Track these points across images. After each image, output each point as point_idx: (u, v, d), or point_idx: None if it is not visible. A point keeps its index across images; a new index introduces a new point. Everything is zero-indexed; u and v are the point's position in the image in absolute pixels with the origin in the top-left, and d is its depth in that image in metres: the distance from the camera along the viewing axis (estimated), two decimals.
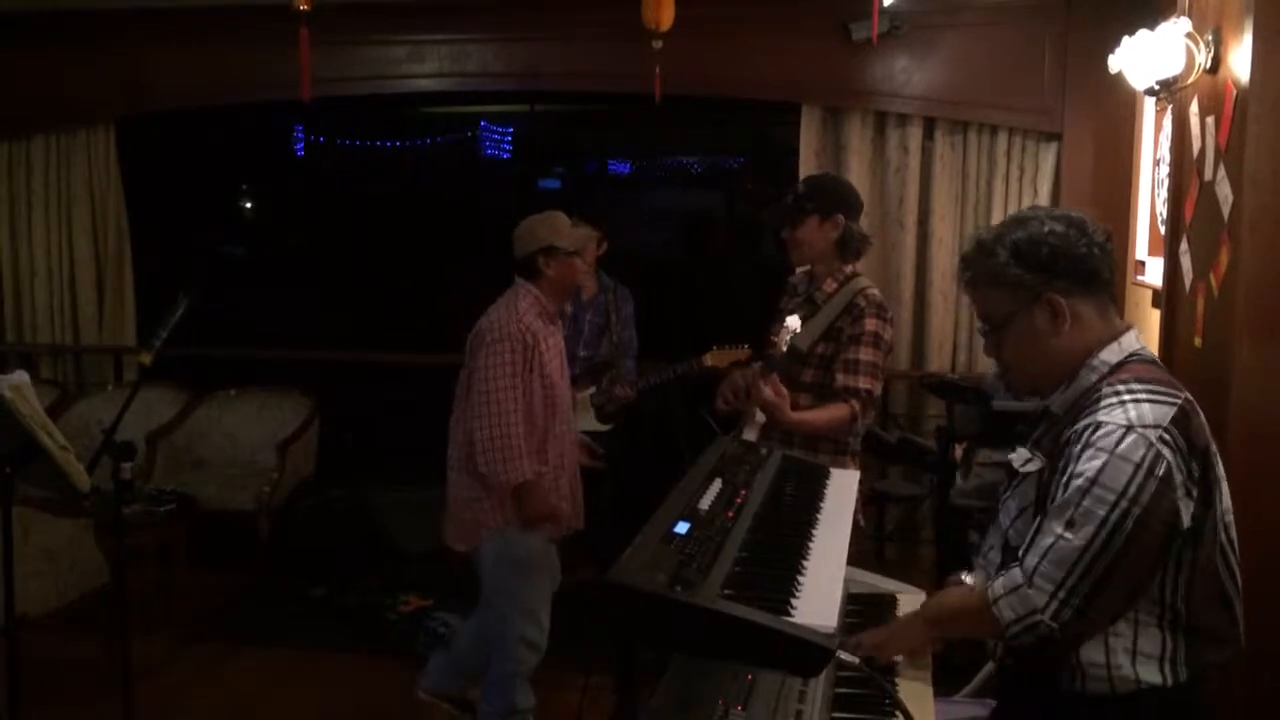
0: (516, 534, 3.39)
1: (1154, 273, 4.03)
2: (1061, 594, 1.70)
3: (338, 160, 9.60)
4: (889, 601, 2.27)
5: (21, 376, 2.84)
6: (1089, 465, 1.70)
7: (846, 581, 2.06)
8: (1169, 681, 1.77)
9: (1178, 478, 1.70)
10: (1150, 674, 1.77)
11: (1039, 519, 1.76)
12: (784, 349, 2.98)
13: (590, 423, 4.78)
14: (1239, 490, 1.84)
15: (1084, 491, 1.69)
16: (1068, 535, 1.69)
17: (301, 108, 4.21)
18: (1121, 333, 1.85)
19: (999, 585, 1.77)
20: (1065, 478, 1.73)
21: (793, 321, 3.01)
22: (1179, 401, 1.75)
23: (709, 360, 4.66)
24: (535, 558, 3.50)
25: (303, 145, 9.48)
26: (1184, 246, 3.54)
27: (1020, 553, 1.77)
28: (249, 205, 10.00)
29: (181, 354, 5.21)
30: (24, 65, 5.74)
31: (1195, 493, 1.73)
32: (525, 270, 3.48)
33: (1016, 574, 1.75)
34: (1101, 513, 1.68)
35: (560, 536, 3.56)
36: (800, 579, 1.83)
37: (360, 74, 5.53)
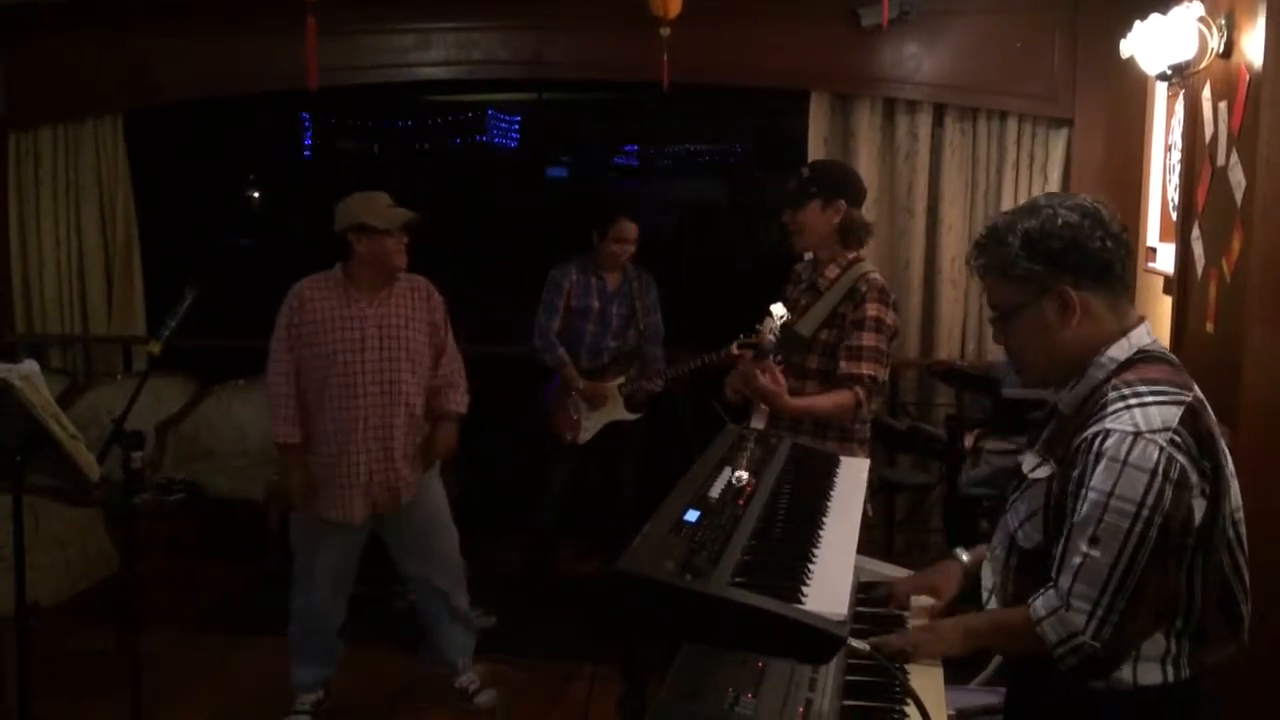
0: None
1: (1165, 259, 4.01)
2: (1100, 612, 1.68)
3: (345, 150, 9.59)
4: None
5: (31, 366, 2.84)
6: (1103, 477, 1.68)
7: (856, 570, 2.05)
8: (1169, 680, 1.76)
9: (1193, 478, 1.68)
10: (1150, 676, 1.76)
11: (1065, 538, 1.74)
12: (770, 337, 2.97)
13: (620, 412, 4.83)
14: (1249, 476, 1.83)
15: (1103, 506, 1.67)
16: (1095, 553, 1.68)
17: (309, 97, 4.21)
18: (1132, 327, 1.82)
19: (1040, 606, 1.75)
20: (1082, 490, 1.71)
21: (777, 309, 3.00)
22: (1187, 400, 1.72)
23: (736, 349, 4.65)
24: (311, 538, 3.64)
25: (310, 135, 9.47)
26: (1196, 232, 3.53)
27: (1053, 573, 1.75)
28: (256, 196, 10.00)
29: (190, 344, 5.23)
30: (32, 55, 5.74)
31: (1208, 491, 1.72)
32: (340, 246, 3.55)
33: (1053, 595, 1.73)
34: (1125, 525, 1.66)
35: (352, 523, 3.59)
36: (811, 567, 1.82)
37: (367, 63, 5.53)
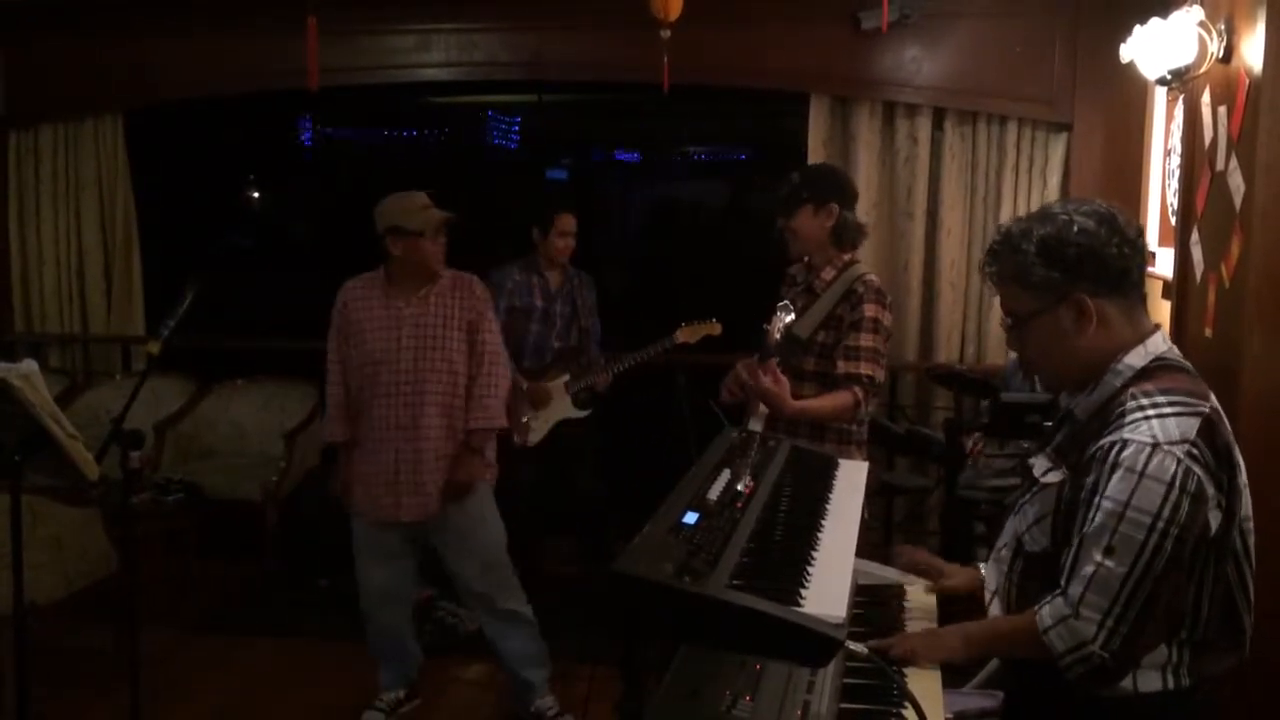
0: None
1: (1164, 263, 4.01)
2: (1110, 622, 1.68)
3: (344, 150, 9.60)
4: (896, 593, 2.27)
5: (31, 365, 2.84)
6: (1119, 488, 1.67)
7: (855, 573, 2.05)
8: (1169, 687, 1.76)
9: (1209, 491, 1.68)
10: (1150, 683, 1.76)
11: (1076, 546, 1.73)
12: (776, 337, 2.98)
13: (568, 410, 4.79)
14: (1249, 480, 1.82)
15: (1119, 516, 1.66)
16: (1109, 563, 1.67)
17: (309, 98, 4.21)
18: (1148, 335, 1.81)
19: (1047, 614, 1.74)
20: (1096, 498, 1.70)
21: (785, 310, 3.01)
22: (1205, 411, 1.72)
23: (680, 337, 4.68)
24: (359, 538, 3.67)
25: (310, 135, 9.48)
26: (1195, 237, 3.53)
27: (1063, 581, 1.74)
28: (256, 196, 10.00)
29: (189, 344, 5.23)
30: (32, 55, 5.74)
31: (1223, 504, 1.71)
32: (380, 249, 3.56)
33: (1062, 604, 1.73)
34: (1140, 537, 1.65)
35: (385, 521, 3.60)
36: (809, 569, 1.82)
37: (367, 64, 5.53)
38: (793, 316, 3.01)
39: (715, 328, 4.66)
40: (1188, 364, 1.84)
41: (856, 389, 3.04)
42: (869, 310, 3.08)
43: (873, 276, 3.17)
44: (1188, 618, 1.75)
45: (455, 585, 3.80)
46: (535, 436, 4.76)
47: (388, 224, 3.51)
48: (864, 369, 3.06)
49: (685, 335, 4.67)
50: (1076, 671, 1.72)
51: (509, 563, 3.77)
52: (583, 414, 4.82)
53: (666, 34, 4.00)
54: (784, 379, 2.95)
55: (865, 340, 3.08)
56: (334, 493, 3.66)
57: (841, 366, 3.07)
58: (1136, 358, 1.79)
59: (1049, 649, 1.73)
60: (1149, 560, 1.65)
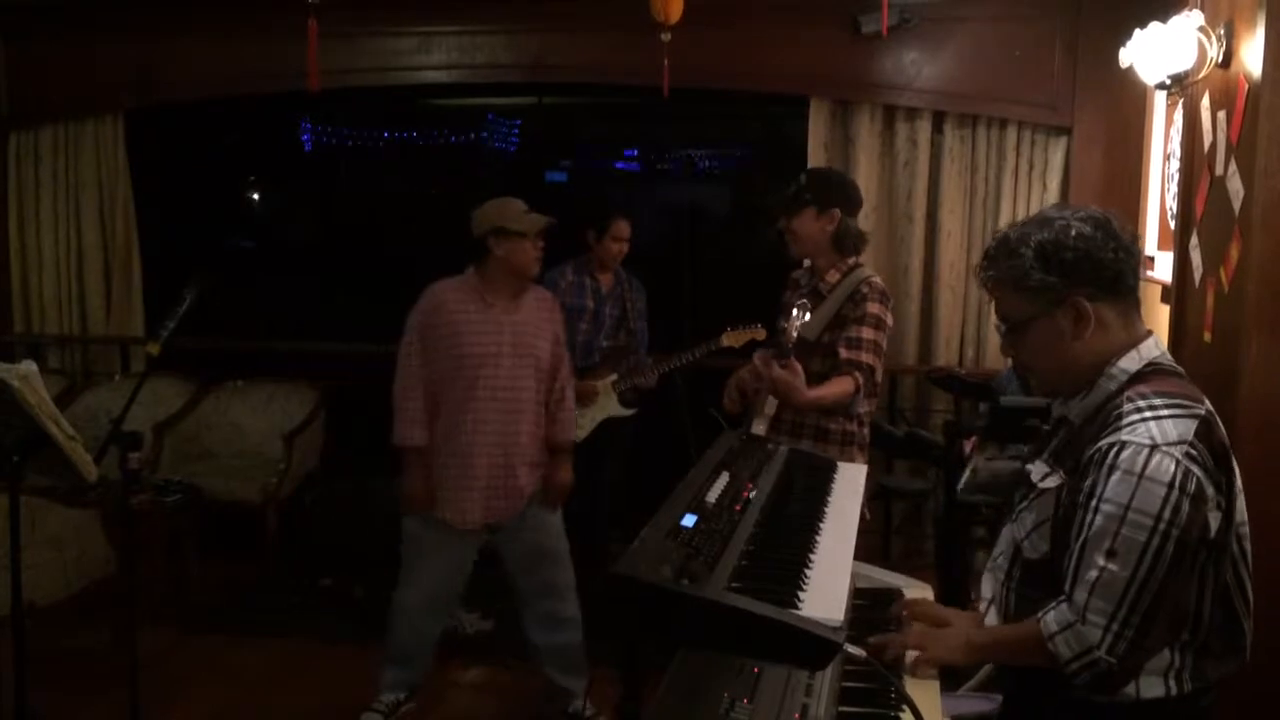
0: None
1: (1163, 267, 4.02)
2: (1115, 626, 1.68)
3: (345, 152, 9.60)
4: (895, 596, 2.27)
5: (29, 366, 2.84)
6: (1118, 490, 1.67)
7: (853, 576, 2.05)
8: (1172, 693, 1.76)
9: (1209, 491, 1.68)
10: (1153, 689, 1.76)
11: (1078, 550, 1.72)
12: (794, 335, 3.00)
13: (614, 408, 4.86)
14: (1248, 486, 1.82)
15: (1119, 519, 1.66)
16: (1112, 566, 1.67)
17: (310, 99, 4.22)
18: (1141, 339, 1.82)
19: (1052, 621, 1.74)
20: (1095, 501, 1.70)
21: (803, 309, 3.04)
22: (1201, 413, 1.72)
23: (725, 340, 4.72)
24: (422, 540, 3.61)
25: (310, 137, 9.48)
26: (1194, 241, 3.53)
27: (1066, 587, 1.74)
28: (256, 197, 10.00)
29: (189, 345, 5.23)
30: (33, 55, 5.75)
31: (1223, 505, 1.71)
32: (477, 252, 3.56)
33: (1067, 610, 1.72)
34: (1142, 539, 1.65)
35: (468, 527, 3.57)
36: (807, 572, 1.83)
37: (368, 65, 5.53)
38: (809, 317, 3.04)
39: (760, 332, 4.70)
40: (1180, 369, 1.85)
41: (857, 374, 3.08)
42: (872, 308, 3.13)
43: (877, 279, 3.21)
44: (1190, 621, 1.75)
45: (522, 587, 3.71)
46: (581, 433, 4.82)
47: (492, 225, 3.52)
48: (865, 358, 3.10)
49: (731, 339, 4.71)
50: (1083, 678, 1.72)
51: (572, 572, 3.78)
52: (628, 413, 4.89)
53: (667, 37, 4.01)
54: (799, 368, 2.97)
55: (867, 333, 3.12)
56: (412, 498, 3.55)
57: (844, 353, 3.10)
58: (1130, 362, 1.80)
59: (1054, 656, 1.73)
60: (1152, 563, 1.65)
